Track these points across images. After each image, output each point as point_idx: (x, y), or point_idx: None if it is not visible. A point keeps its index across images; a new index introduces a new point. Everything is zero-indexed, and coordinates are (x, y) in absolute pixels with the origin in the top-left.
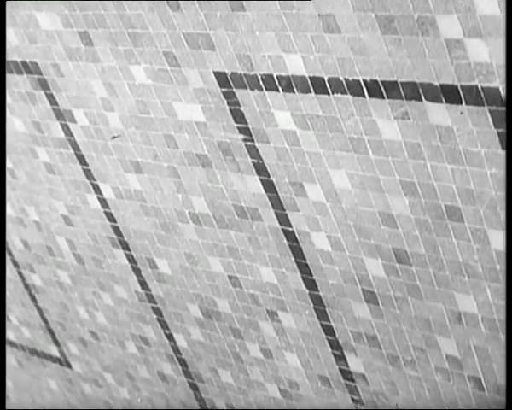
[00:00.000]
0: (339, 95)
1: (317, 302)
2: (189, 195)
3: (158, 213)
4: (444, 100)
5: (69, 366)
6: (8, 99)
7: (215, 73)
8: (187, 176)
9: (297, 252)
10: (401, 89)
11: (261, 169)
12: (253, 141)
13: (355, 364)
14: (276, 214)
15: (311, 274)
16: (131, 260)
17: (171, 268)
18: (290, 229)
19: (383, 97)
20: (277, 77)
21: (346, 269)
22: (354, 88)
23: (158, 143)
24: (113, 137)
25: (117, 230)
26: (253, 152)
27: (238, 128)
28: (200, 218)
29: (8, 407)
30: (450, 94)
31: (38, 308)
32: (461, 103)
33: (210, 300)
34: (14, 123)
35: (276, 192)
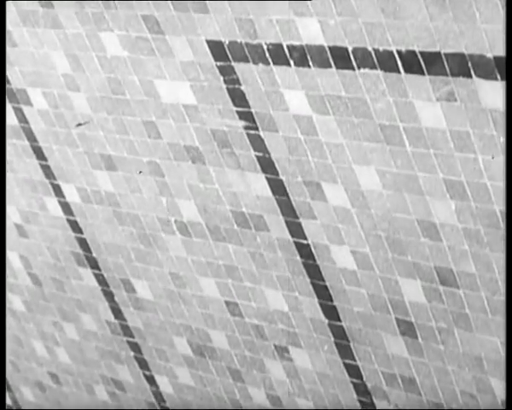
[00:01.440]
0: (366, 70)
1: (339, 335)
2: (176, 198)
3: (135, 222)
4: (498, 76)
5: None
6: None
7: (208, 43)
8: (172, 174)
9: (313, 271)
10: (445, 62)
11: (267, 165)
12: (256, 129)
13: None
14: (287, 223)
15: (331, 299)
16: (102, 281)
17: (152, 292)
18: (305, 242)
19: (422, 73)
20: (288, 47)
21: (376, 293)
22: (386, 61)
23: (135, 132)
24: (79, 125)
25: (83, 243)
26: (257, 143)
27: (238, 113)
28: (189, 228)
29: None
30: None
31: None
32: None
33: (202, 332)
34: None
35: (287, 195)
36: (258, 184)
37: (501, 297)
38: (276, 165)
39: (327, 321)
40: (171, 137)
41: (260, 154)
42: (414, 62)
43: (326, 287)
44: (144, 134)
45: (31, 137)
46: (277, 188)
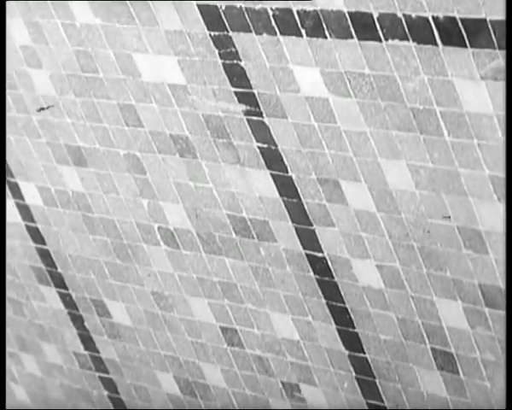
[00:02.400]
0: (396, 41)
1: (362, 370)
2: (160, 200)
3: (110, 230)
4: None
5: None
6: None
7: (200, 8)
8: (156, 170)
9: (330, 291)
10: (492, 31)
11: (273, 159)
12: (260, 115)
13: None
14: (298, 231)
15: (352, 325)
16: (69, 303)
17: (130, 316)
18: (319, 254)
19: (464, 45)
20: (299, 13)
21: (408, 317)
22: (419, 30)
23: (110, 119)
24: (42, 110)
25: (46, 255)
26: (261, 132)
27: (237, 94)
28: (176, 237)
29: None
30: None
31: None
32: None
33: (192, 366)
34: None
35: (298, 196)
36: (262, 182)
37: None
38: (285, 159)
39: (347, 352)
40: (155, 125)
41: (264, 145)
42: (454, 32)
43: (346, 310)
44: (121, 121)
45: None
46: (286, 187)
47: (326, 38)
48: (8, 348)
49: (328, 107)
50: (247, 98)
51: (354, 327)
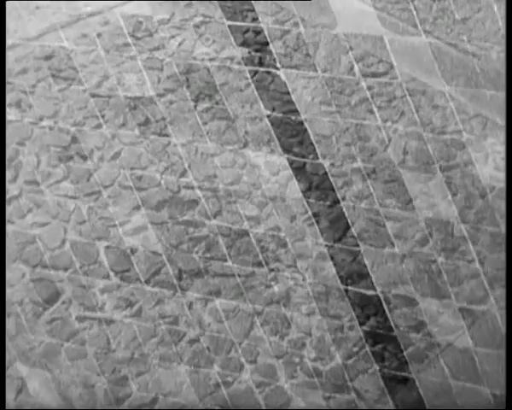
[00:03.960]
0: None
1: None
2: (114, 205)
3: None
4: None
5: None
6: None
7: None
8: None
9: (390, 357)
10: None
11: (293, 138)
12: (273, 65)
13: None
14: (335, 259)
15: None
16: None
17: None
18: (370, 293)
19: None
20: None
21: None
22: None
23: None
24: None
25: None
26: (274, 92)
27: (233, 32)
28: (136, 264)
29: None
30: None
31: None
32: None
33: None
34: None
35: (334, 197)
36: (276, 173)
37: None
38: (312, 137)
39: None
40: (99, 83)
41: (279, 114)
42: None
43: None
44: (41, 67)
45: None
46: (313, 182)
47: None
48: None
49: (383, 48)
50: (252, 36)
51: None
